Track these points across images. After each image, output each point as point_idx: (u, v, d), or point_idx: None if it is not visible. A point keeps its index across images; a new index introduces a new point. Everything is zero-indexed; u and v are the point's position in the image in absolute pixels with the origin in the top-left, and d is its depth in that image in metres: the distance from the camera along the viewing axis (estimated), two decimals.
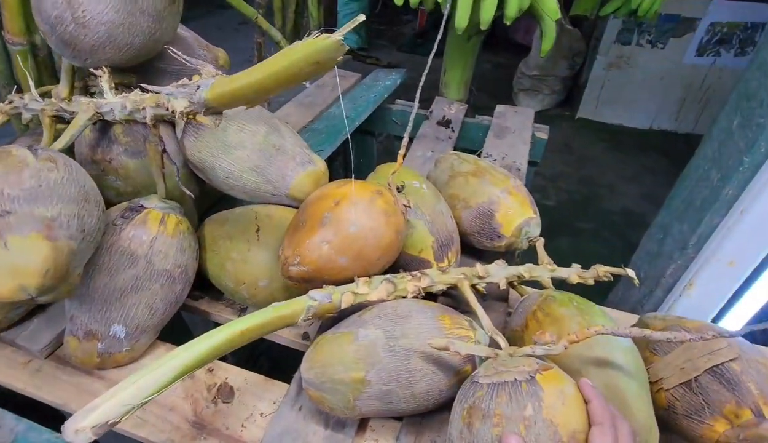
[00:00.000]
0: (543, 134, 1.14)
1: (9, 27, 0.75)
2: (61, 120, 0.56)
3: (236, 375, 0.54)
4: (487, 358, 0.40)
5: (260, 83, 0.34)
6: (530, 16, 1.04)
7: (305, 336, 0.58)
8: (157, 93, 0.44)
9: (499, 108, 1.18)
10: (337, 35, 0.30)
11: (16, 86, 0.87)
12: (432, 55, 0.59)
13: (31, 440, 0.49)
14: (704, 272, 0.67)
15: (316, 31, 0.30)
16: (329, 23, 1.70)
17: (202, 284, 0.61)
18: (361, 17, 0.31)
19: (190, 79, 0.43)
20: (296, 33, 1.48)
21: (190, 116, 0.42)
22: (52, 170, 0.41)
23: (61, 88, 0.53)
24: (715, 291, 0.67)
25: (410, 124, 0.55)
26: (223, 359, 0.53)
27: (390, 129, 1.28)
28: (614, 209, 2.35)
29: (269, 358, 0.77)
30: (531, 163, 1.17)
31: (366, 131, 1.30)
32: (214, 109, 0.40)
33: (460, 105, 1.18)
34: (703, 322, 0.50)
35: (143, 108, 0.45)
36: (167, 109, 0.43)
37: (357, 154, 1.33)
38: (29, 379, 0.51)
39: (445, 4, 0.92)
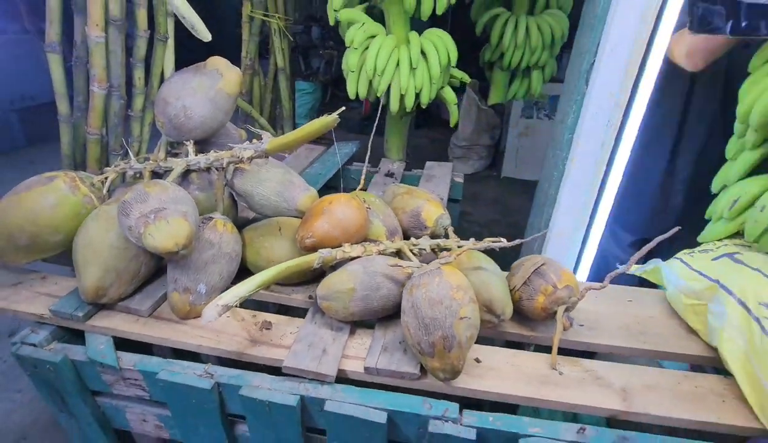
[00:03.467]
0: (460, 178, 1.60)
1: (92, 123, 1.12)
2: (155, 174, 0.92)
3: (271, 316, 0.86)
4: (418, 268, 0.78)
5: (298, 139, 0.74)
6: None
7: (311, 298, 0.92)
8: (231, 149, 0.82)
9: (428, 164, 1.65)
10: (335, 115, 0.71)
11: (72, 163, 1.21)
12: (373, 132, 1.02)
13: (146, 362, 0.79)
14: (550, 244, 1.10)
15: (326, 114, 0.71)
16: (293, 111, 2.17)
17: (238, 276, 0.94)
18: (343, 108, 0.73)
19: (251, 141, 0.82)
20: (272, 119, 1.94)
21: (250, 160, 0.81)
22: (179, 191, 0.77)
23: (161, 154, 0.90)
24: (559, 255, 1.10)
25: (365, 169, 0.96)
26: (262, 310, 0.86)
27: (349, 184, 1.69)
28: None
29: None
30: (454, 200, 1.63)
31: (331, 187, 1.71)
32: (268, 155, 0.79)
33: (400, 163, 1.63)
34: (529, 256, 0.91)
35: (222, 159, 0.83)
36: (238, 157, 0.81)
37: None
38: (141, 329, 0.81)
39: (378, 95, 1.40)
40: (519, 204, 3.42)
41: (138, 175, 0.92)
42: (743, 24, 0.39)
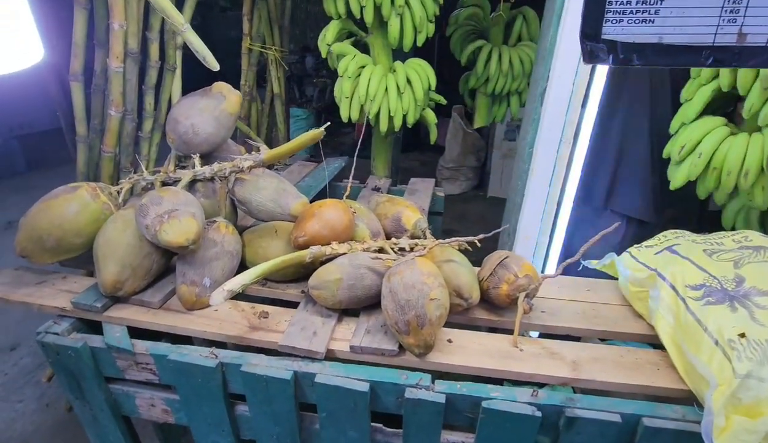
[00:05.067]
0: (441, 193, 1.74)
1: (108, 143, 1.24)
2: (165, 184, 1.04)
3: (268, 307, 0.97)
4: (395, 261, 0.90)
5: (290, 149, 0.87)
6: (444, 124, 1.73)
7: (303, 292, 1.03)
8: (233, 160, 0.95)
9: (413, 179, 1.79)
10: (322, 129, 0.84)
11: (87, 179, 1.33)
12: (357, 151, 1.15)
13: (158, 348, 0.89)
14: (518, 244, 1.23)
15: (315, 128, 0.84)
16: (288, 133, 2.32)
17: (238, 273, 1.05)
18: (328, 123, 0.86)
19: (250, 153, 0.95)
20: (269, 140, 2.08)
21: (249, 170, 0.94)
22: (188, 195, 0.89)
23: (170, 166, 1.03)
24: (525, 253, 1.23)
25: (350, 181, 1.09)
26: (261, 303, 0.97)
27: (338, 197, 1.82)
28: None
29: None
30: (437, 213, 1.76)
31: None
32: (265, 164, 0.92)
33: (386, 179, 1.77)
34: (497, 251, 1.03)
35: (225, 169, 0.96)
36: (239, 167, 0.94)
37: None
38: (152, 318, 0.92)
39: (371, 117, 1.56)
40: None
41: (149, 185, 1.04)
42: (621, 57, 0.53)
